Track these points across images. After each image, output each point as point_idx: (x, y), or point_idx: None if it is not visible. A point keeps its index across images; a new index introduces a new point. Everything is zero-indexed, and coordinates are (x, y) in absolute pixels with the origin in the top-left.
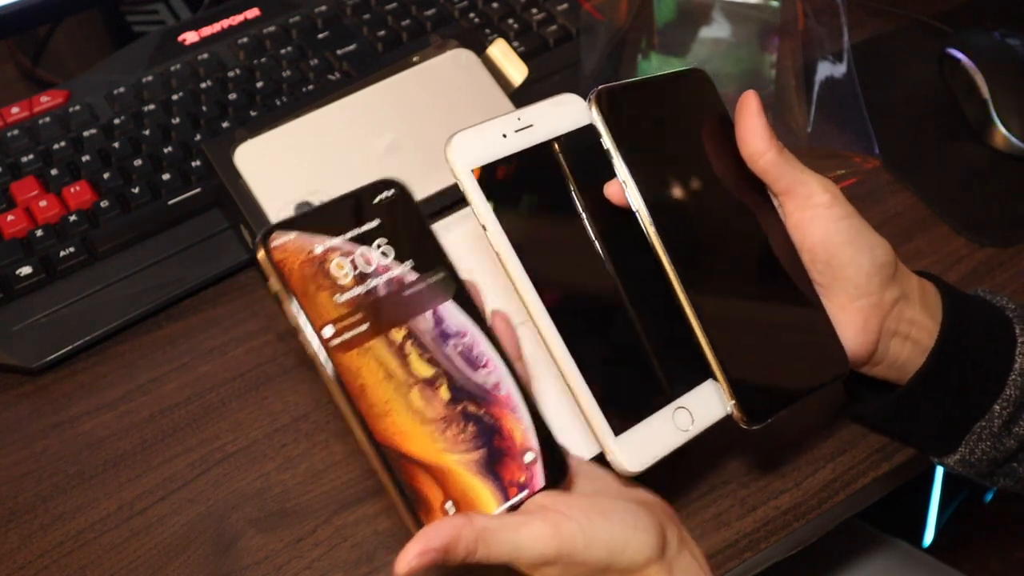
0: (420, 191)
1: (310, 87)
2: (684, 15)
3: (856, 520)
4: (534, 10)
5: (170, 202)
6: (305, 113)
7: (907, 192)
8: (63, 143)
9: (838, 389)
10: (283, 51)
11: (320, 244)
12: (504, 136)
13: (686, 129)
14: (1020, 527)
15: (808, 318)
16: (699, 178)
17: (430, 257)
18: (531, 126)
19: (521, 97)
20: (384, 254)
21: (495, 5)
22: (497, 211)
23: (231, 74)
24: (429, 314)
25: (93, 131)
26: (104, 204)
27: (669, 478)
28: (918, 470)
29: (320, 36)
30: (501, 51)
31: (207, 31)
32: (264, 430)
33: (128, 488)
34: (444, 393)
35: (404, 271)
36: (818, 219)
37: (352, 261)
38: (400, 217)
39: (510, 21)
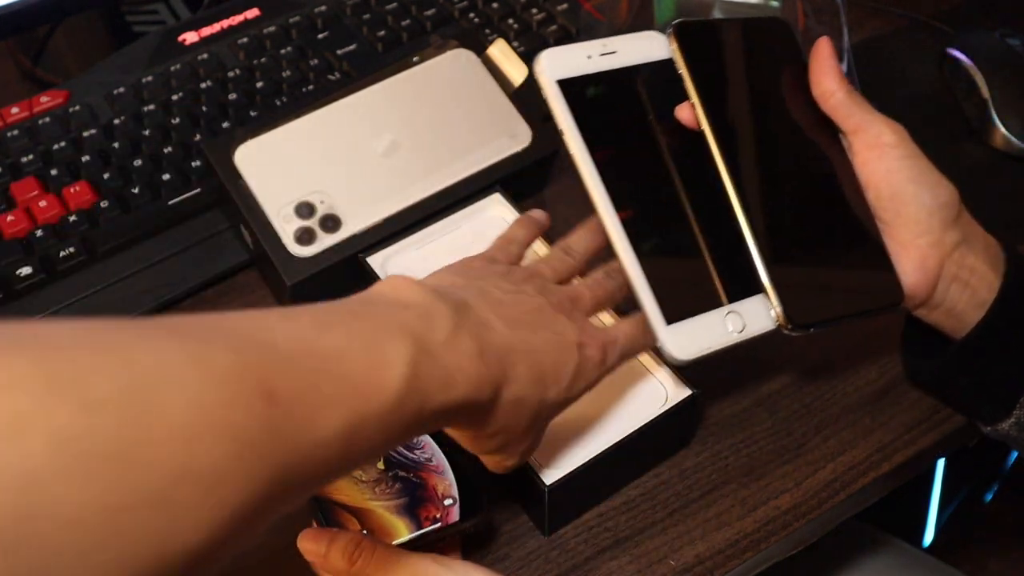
0: (420, 191)
1: (310, 87)
2: (684, 15)
3: (856, 520)
4: (534, 10)
5: (170, 202)
6: (305, 113)
7: None
8: (63, 143)
9: (859, 389)
10: (283, 51)
11: None
12: (589, 57)
13: (760, 66)
14: (1020, 527)
15: (865, 248)
16: (767, 109)
17: None
18: (615, 52)
19: (521, 97)
20: None
21: (495, 5)
22: (576, 119)
23: (231, 74)
24: None
25: (93, 131)
26: (104, 204)
27: (669, 478)
28: (918, 470)
29: (320, 36)
30: (501, 51)
31: (207, 31)
32: None
33: None
34: (380, 464)
35: None
36: (884, 157)
37: None
38: None
39: (510, 21)
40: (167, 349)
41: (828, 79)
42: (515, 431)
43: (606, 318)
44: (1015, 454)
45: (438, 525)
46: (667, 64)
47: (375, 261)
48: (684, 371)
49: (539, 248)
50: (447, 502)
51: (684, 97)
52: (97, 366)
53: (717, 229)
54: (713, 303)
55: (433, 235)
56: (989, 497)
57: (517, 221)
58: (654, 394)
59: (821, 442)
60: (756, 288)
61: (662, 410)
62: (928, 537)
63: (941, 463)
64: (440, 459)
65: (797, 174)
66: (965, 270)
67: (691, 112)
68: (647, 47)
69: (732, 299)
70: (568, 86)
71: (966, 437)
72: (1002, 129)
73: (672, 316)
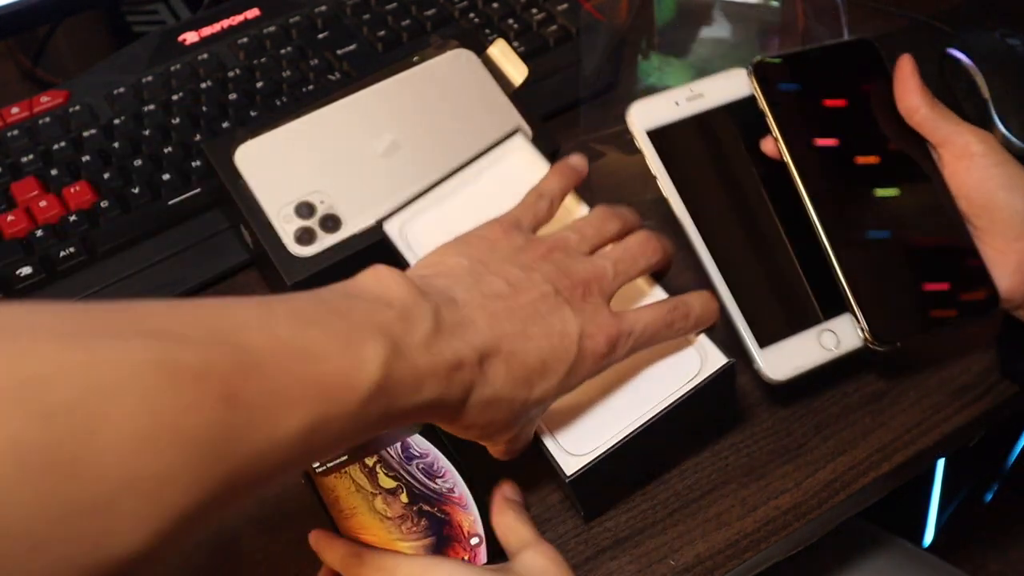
0: (420, 191)
1: (310, 87)
2: (684, 15)
3: (858, 519)
4: (534, 10)
5: (170, 202)
6: (305, 113)
7: None
8: (63, 143)
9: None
10: (283, 51)
11: None
12: (676, 104)
13: (841, 90)
14: (1020, 527)
15: (957, 256)
16: (849, 132)
17: None
18: (701, 95)
19: (521, 97)
20: None
21: (495, 5)
22: (667, 164)
23: (231, 74)
24: (399, 444)
25: (93, 131)
26: (104, 204)
27: (669, 478)
28: (918, 470)
29: (320, 36)
30: (501, 51)
31: (207, 31)
32: None
33: None
34: (404, 498)
35: None
36: (973, 167)
37: None
38: None
39: (510, 21)
40: (133, 349)
41: (912, 95)
42: (493, 426)
43: (645, 287)
44: (1015, 454)
45: None
46: (752, 100)
47: (392, 228)
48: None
49: (571, 206)
50: (473, 541)
51: (767, 127)
52: (61, 366)
53: (806, 252)
54: (806, 323)
55: (452, 191)
56: (989, 497)
57: (552, 170)
58: (687, 364)
59: (821, 442)
60: (848, 305)
61: (694, 384)
62: (928, 537)
63: (941, 463)
64: (462, 489)
65: (882, 191)
66: None
67: (775, 145)
68: (733, 86)
69: (826, 317)
70: (658, 135)
71: (966, 437)
72: (1002, 129)
73: (766, 339)
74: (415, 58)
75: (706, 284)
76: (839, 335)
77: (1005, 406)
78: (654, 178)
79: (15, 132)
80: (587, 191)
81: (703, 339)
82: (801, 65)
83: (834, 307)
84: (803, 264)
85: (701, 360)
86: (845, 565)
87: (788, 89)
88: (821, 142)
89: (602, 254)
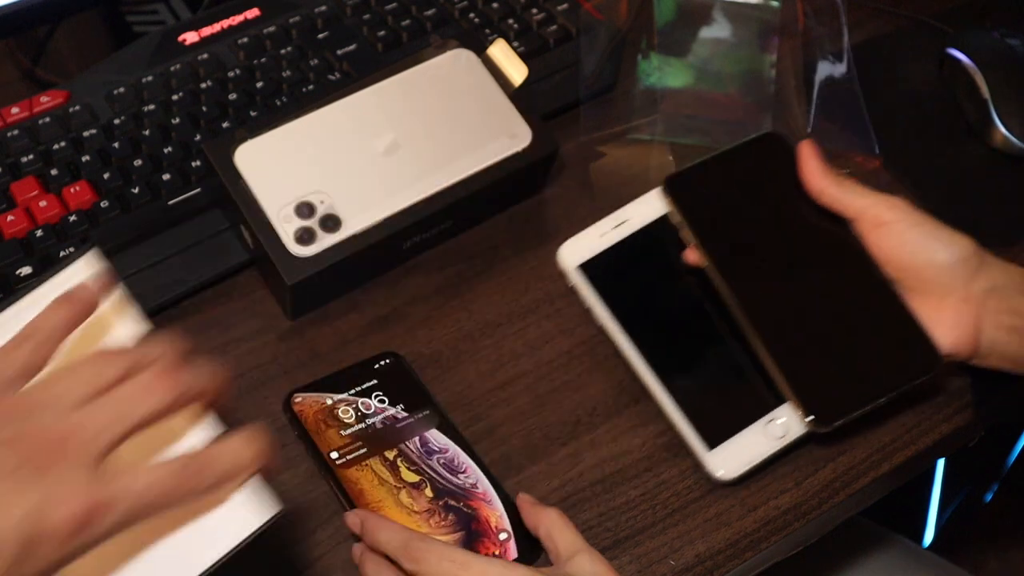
0: (420, 191)
1: (310, 87)
2: (684, 15)
3: (859, 517)
4: (534, 10)
5: (170, 202)
6: (305, 113)
7: (907, 192)
8: (63, 143)
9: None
10: (283, 51)
11: (330, 398)
12: (602, 235)
13: (755, 186)
14: (1020, 527)
15: (891, 324)
16: (768, 225)
17: (418, 400)
18: (625, 221)
19: (521, 97)
20: (381, 401)
21: (495, 5)
22: (600, 292)
23: (231, 74)
24: (417, 438)
25: (93, 131)
26: (104, 204)
27: (669, 478)
28: (918, 470)
29: (320, 36)
30: (501, 51)
31: (207, 31)
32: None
33: None
34: (429, 492)
35: (396, 412)
36: (890, 233)
37: (355, 407)
38: (394, 375)
39: (510, 21)
40: None
41: (816, 178)
42: None
43: (181, 429)
44: (1015, 454)
45: None
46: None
47: None
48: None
49: (107, 323)
50: (502, 536)
51: (687, 241)
52: None
53: (740, 350)
54: (752, 417)
55: (14, 315)
56: (989, 497)
57: (51, 304)
58: (223, 525)
59: (821, 442)
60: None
61: (227, 549)
62: (928, 537)
63: (941, 463)
64: (485, 485)
65: (805, 277)
66: (1006, 315)
67: (695, 255)
68: (652, 206)
69: (771, 408)
70: (590, 266)
71: (966, 437)
72: (1002, 129)
73: (713, 440)
74: (415, 58)
75: (649, 399)
76: (786, 423)
77: (1005, 406)
78: (590, 308)
79: (15, 132)
80: (588, 191)
81: (251, 488)
82: (710, 171)
83: (779, 397)
84: (742, 361)
85: (240, 518)
86: (846, 564)
87: (701, 196)
88: (740, 240)
89: (92, 406)
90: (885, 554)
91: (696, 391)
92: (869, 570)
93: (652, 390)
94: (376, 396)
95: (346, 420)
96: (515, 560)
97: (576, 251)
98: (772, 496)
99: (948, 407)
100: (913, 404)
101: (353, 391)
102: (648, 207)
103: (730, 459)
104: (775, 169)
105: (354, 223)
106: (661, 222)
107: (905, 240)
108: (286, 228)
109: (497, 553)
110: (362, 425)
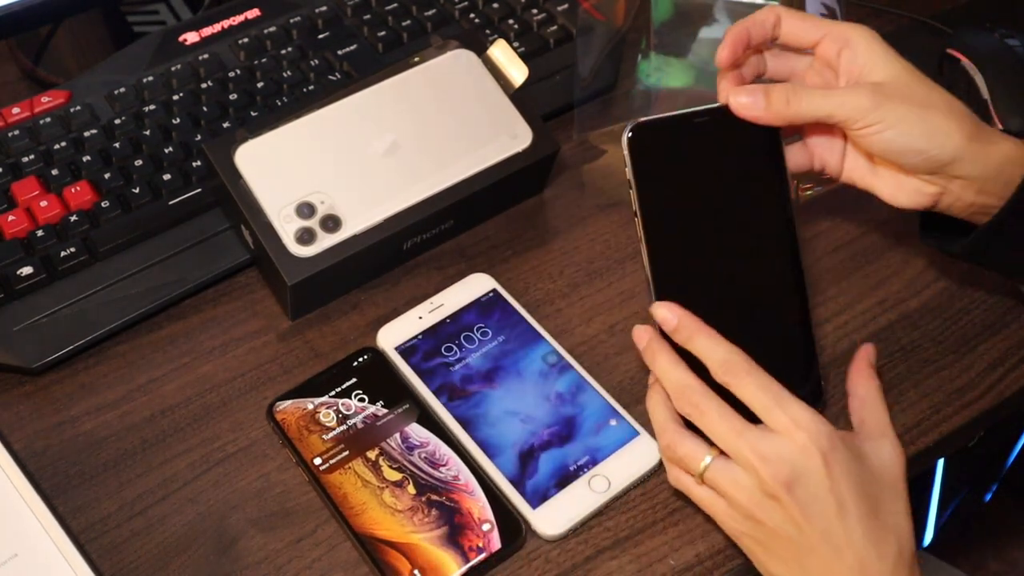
0: (420, 191)
1: (310, 87)
2: (683, 15)
3: None
4: (534, 11)
5: (170, 202)
6: (305, 113)
7: None
8: (64, 143)
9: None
10: (283, 51)
11: (311, 403)
12: (420, 318)
13: (712, 158)
14: (1020, 527)
15: (788, 348)
16: (709, 203)
17: (398, 394)
18: (442, 305)
19: (521, 98)
20: (361, 400)
21: (495, 6)
22: (418, 371)
23: (231, 74)
24: (398, 434)
25: (94, 131)
26: (105, 204)
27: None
28: (918, 470)
29: (320, 36)
30: (501, 52)
31: (207, 31)
32: (264, 430)
33: (129, 488)
34: (411, 489)
35: (376, 409)
36: (856, 56)
37: (336, 410)
38: (373, 371)
39: (510, 22)
40: None
41: (769, 15)
42: None
43: None
44: (1015, 454)
45: (484, 556)
46: (485, 298)
47: None
48: None
49: None
50: (485, 527)
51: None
52: None
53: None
54: (575, 473)
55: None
56: (989, 497)
57: None
58: None
59: None
60: (616, 444)
61: None
62: (928, 537)
63: (941, 463)
64: (467, 476)
65: (726, 267)
66: (971, 194)
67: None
68: (468, 291)
69: (594, 462)
70: (407, 348)
71: (966, 437)
72: (1002, 129)
73: (537, 500)
74: (415, 58)
75: (475, 465)
76: (609, 475)
77: (1005, 406)
78: (414, 392)
79: (16, 132)
80: (586, 191)
81: None
82: (679, 131)
83: (600, 450)
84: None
85: None
86: None
87: (659, 156)
88: (678, 209)
89: None
90: None
91: (515, 453)
92: None
93: (474, 458)
94: (356, 395)
95: (327, 424)
96: (500, 551)
97: (393, 335)
98: None
99: (948, 407)
100: (913, 404)
101: (333, 392)
102: (464, 292)
103: (556, 516)
104: (743, 142)
105: (354, 223)
106: (475, 303)
107: (872, 58)
108: (286, 228)
109: (481, 544)
110: (344, 427)
